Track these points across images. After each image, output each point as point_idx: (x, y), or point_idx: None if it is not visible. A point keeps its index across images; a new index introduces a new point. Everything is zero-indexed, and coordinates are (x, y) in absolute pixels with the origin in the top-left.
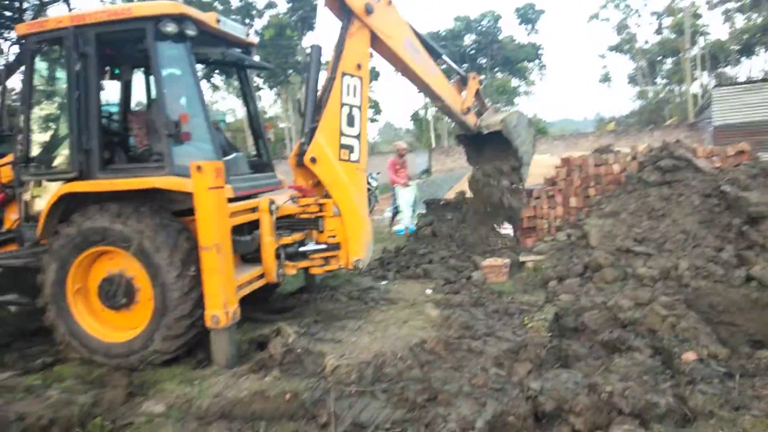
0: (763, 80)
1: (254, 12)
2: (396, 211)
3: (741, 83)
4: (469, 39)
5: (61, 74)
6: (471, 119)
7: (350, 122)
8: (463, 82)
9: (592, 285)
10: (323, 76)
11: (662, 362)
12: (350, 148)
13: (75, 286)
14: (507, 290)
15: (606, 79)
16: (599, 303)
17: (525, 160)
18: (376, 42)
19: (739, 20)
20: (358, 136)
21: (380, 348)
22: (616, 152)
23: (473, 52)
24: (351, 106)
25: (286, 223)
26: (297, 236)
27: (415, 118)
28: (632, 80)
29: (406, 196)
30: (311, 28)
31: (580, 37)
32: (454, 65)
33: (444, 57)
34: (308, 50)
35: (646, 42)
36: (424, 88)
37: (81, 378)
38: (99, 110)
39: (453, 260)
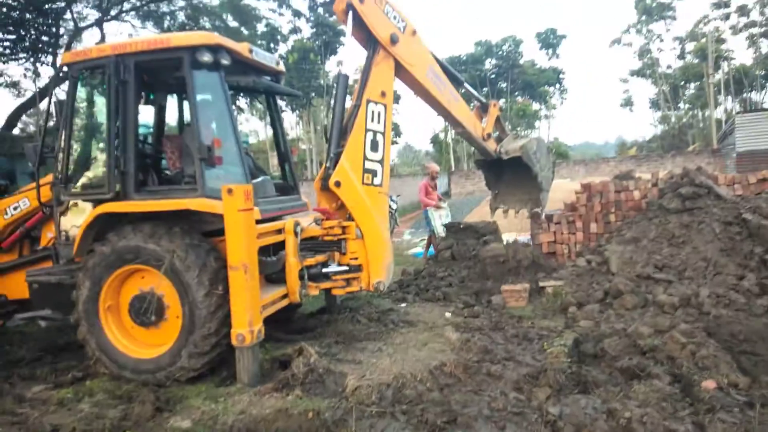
0: None
1: (279, 37)
2: (431, 234)
3: (765, 110)
4: (489, 63)
5: (100, 99)
6: (491, 145)
7: (374, 147)
8: (483, 109)
9: (612, 311)
10: (348, 102)
11: (681, 390)
12: (374, 173)
13: (107, 303)
14: (526, 315)
15: (628, 103)
16: (619, 329)
17: (544, 186)
18: (400, 70)
19: (765, 45)
20: (381, 161)
21: (400, 370)
22: (637, 178)
23: (494, 76)
24: (375, 132)
25: (310, 245)
26: (320, 258)
27: (435, 140)
28: (654, 105)
29: (442, 218)
30: (334, 52)
31: (601, 61)
32: (474, 92)
33: (465, 85)
34: (331, 74)
35: (669, 67)
36: (445, 114)
37: (110, 393)
38: (136, 134)
39: (472, 284)
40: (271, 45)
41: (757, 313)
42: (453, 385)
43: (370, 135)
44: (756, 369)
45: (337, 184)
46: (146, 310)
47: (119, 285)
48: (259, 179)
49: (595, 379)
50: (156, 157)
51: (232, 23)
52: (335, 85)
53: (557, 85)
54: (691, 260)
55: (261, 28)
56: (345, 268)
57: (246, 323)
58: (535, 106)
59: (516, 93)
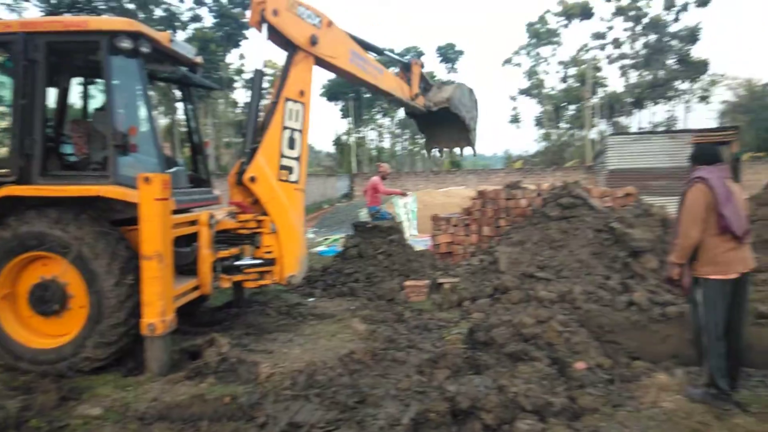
0: (650, 132)
1: (178, 24)
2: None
3: (632, 133)
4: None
5: (6, 78)
6: (420, 102)
7: (291, 145)
8: (406, 69)
9: (500, 305)
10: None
11: (558, 370)
12: (290, 170)
13: (3, 290)
14: (426, 308)
15: (515, 119)
16: (506, 320)
17: (472, 126)
18: (323, 63)
19: (633, 76)
20: (298, 159)
21: (311, 358)
22: (524, 188)
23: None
24: (292, 130)
25: (223, 238)
26: (233, 250)
27: (337, 142)
28: (539, 123)
29: (408, 206)
30: (236, 44)
31: (494, 78)
32: (395, 56)
33: (386, 52)
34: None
35: (553, 89)
36: (374, 89)
37: (6, 383)
38: (44, 116)
39: (377, 280)
40: (167, 31)
41: (619, 308)
42: (361, 370)
43: (287, 133)
44: (617, 354)
45: (252, 179)
46: (48, 299)
47: (18, 272)
48: (173, 169)
49: (486, 362)
50: (57, 141)
51: (128, 5)
52: (251, 81)
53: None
54: (567, 261)
55: (159, 12)
56: (259, 261)
57: (158, 313)
58: None
59: None
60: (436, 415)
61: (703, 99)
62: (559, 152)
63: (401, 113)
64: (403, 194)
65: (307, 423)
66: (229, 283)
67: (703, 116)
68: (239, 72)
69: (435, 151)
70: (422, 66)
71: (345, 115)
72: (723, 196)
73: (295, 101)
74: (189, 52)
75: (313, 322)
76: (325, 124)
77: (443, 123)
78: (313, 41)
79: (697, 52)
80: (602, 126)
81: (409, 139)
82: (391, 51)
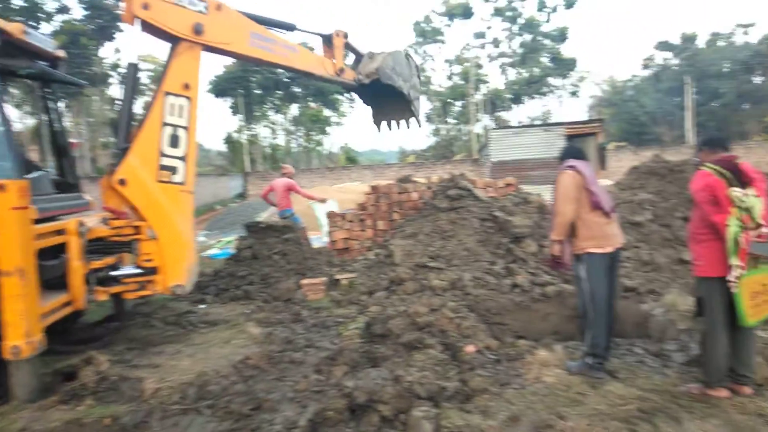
0: (528, 126)
1: (42, 15)
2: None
3: (511, 127)
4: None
5: None
6: (348, 76)
7: (174, 143)
8: (329, 44)
9: (396, 296)
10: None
11: (450, 355)
12: (173, 170)
13: None
14: (324, 305)
15: None
16: (402, 311)
17: (413, 96)
18: (217, 50)
19: (512, 73)
20: (183, 158)
21: (202, 368)
22: (415, 182)
23: (288, 80)
24: (176, 127)
25: (97, 247)
26: (109, 260)
27: (228, 140)
28: (429, 119)
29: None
30: (110, 38)
31: None
32: (312, 32)
33: (299, 28)
34: (106, 61)
35: (440, 86)
36: (289, 70)
37: None
38: None
39: (273, 281)
40: (30, 24)
41: (504, 292)
42: (257, 375)
43: (168, 129)
44: (503, 334)
45: (122, 182)
46: None
47: None
48: (35, 174)
49: (383, 354)
50: None
51: None
52: (125, 75)
53: (346, 94)
54: (457, 250)
55: (19, 2)
56: (137, 270)
57: (22, 334)
58: (327, 112)
59: (309, 98)
60: (334, 413)
61: (573, 94)
62: (448, 146)
63: (294, 109)
64: (322, 201)
65: None
66: (106, 296)
67: (574, 110)
68: (115, 67)
69: (384, 125)
70: (346, 36)
71: (235, 112)
72: (590, 178)
73: (178, 95)
74: (48, 45)
75: (204, 330)
76: (214, 122)
77: (386, 94)
78: (198, 30)
79: (566, 50)
80: (486, 121)
81: (303, 135)
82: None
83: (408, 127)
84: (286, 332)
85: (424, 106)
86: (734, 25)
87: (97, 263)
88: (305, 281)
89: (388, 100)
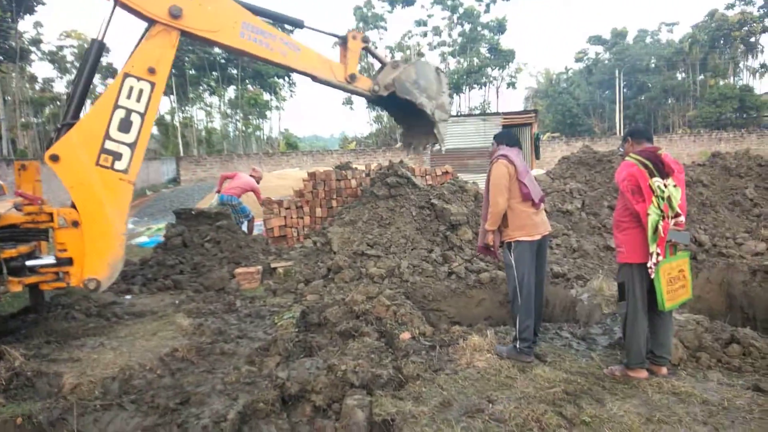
0: (466, 115)
1: None
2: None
3: (450, 116)
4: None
5: None
6: (362, 85)
7: (124, 128)
8: (344, 46)
9: (333, 285)
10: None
11: (386, 343)
12: (117, 156)
13: None
14: (259, 295)
15: (348, 101)
16: (339, 299)
17: (439, 117)
18: (200, 38)
19: (452, 62)
20: (132, 145)
21: (126, 361)
22: (354, 169)
23: (224, 61)
24: (130, 111)
25: (9, 234)
26: (23, 248)
27: (160, 122)
28: (371, 105)
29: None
30: (30, 11)
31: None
32: (324, 31)
33: (307, 25)
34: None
35: None
36: (286, 69)
37: None
38: None
39: (205, 270)
40: None
41: (441, 278)
42: (185, 368)
43: (121, 112)
44: (439, 321)
45: (54, 158)
46: None
47: None
48: None
49: (319, 343)
50: None
51: None
52: (86, 50)
53: (286, 78)
54: (395, 238)
55: None
56: (51, 261)
57: None
58: (267, 96)
59: (246, 81)
60: (265, 405)
61: (511, 85)
62: (390, 134)
63: (231, 92)
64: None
65: None
66: (20, 287)
67: (511, 101)
68: (36, 42)
69: (411, 148)
70: (365, 40)
71: (167, 93)
72: (522, 168)
73: (140, 79)
74: None
75: (129, 321)
76: None
77: (412, 113)
78: (174, 13)
79: (505, 42)
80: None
81: (241, 119)
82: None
83: (431, 152)
84: (218, 323)
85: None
86: (659, 23)
87: (9, 252)
88: (239, 270)
89: (414, 118)
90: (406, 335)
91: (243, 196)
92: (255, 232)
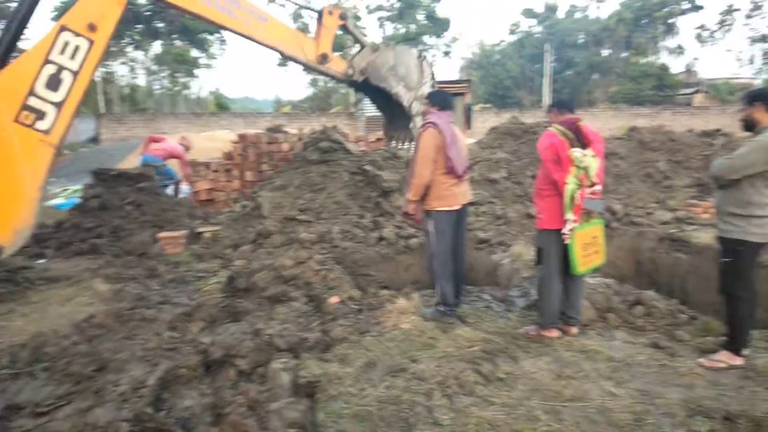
0: None
1: None
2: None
3: None
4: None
5: None
6: (335, 66)
7: (52, 85)
8: (319, 21)
9: (263, 250)
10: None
11: (314, 307)
12: (40, 114)
13: None
14: (184, 260)
15: (283, 63)
16: (268, 264)
17: (416, 110)
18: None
19: (389, 28)
20: (59, 105)
21: (38, 328)
22: (286, 133)
23: (149, 13)
24: (61, 68)
25: None
26: None
27: None
28: (307, 68)
29: None
30: None
31: None
32: (295, 2)
33: None
34: None
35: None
36: (251, 40)
37: None
38: None
39: (125, 234)
40: None
41: (371, 244)
42: (103, 335)
43: (51, 68)
44: (368, 285)
45: None
46: None
47: None
48: None
49: (246, 308)
50: None
51: None
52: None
53: (217, 34)
54: (326, 203)
55: None
56: None
57: None
58: (196, 53)
59: (174, 36)
60: (187, 370)
61: (446, 54)
62: (325, 98)
63: (157, 47)
64: (190, 183)
65: (31, 402)
66: None
67: (446, 70)
68: None
69: (392, 141)
70: (343, 17)
71: None
72: (449, 140)
73: (78, 35)
74: None
75: (43, 287)
76: None
77: (393, 103)
78: None
79: (441, 10)
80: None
81: (168, 76)
82: None
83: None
84: (139, 289)
85: None
86: None
87: None
88: (163, 234)
89: (398, 108)
90: (334, 299)
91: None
92: (181, 196)
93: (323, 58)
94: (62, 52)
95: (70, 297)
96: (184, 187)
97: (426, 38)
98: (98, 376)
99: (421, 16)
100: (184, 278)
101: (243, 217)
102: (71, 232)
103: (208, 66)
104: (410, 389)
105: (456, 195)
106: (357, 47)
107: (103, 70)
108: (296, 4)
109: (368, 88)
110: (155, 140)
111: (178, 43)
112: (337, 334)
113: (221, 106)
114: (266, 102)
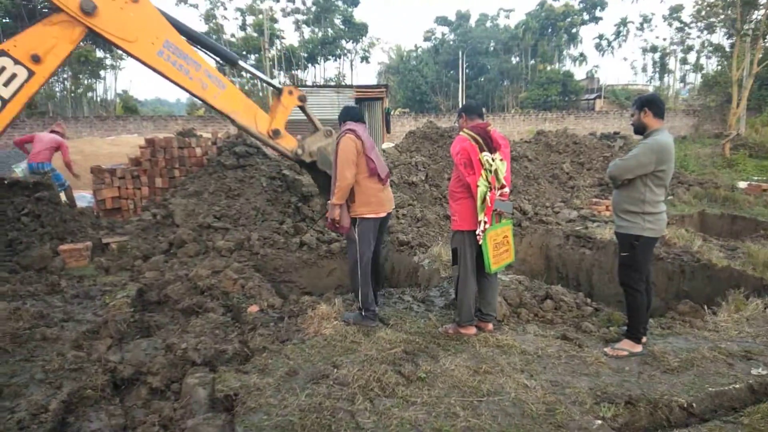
0: (321, 86)
1: None
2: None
3: (305, 86)
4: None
5: None
6: (285, 143)
7: None
8: (277, 96)
9: (176, 260)
10: None
11: (232, 317)
12: None
13: None
14: (89, 273)
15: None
16: (182, 275)
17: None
18: (115, 44)
19: (306, 31)
20: None
21: None
22: (199, 136)
23: (47, 10)
24: None
25: None
26: None
27: None
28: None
29: None
30: None
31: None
32: (260, 74)
33: (241, 64)
34: None
35: (233, 35)
36: (204, 103)
37: None
38: None
39: (23, 247)
40: None
41: (292, 250)
42: None
43: None
44: (290, 292)
45: None
46: None
47: None
48: None
49: (158, 322)
50: None
51: None
52: None
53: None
54: (244, 210)
55: None
56: None
57: None
58: (100, 53)
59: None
60: (94, 391)
61: (364, 59)
62: None
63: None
64: (77, 176)
65: None
66: None
67: (364, 74)
68: None
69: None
70: (302, 99)
71: None
72: (369, 144)
73: (18, 62)
74: None
75: None
76: None
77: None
78: (86, 9)
79: (358, 15)
80: (281, 78)
81: (70, 78)
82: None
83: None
84: (39, 306)
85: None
86: (498, 8)
87: None
88: (64, 247)
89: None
90: (254, 308)
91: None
92: (83, 204)
93: (275, 134)
94: None
95: None
96: (87, 195)
97: (344, 43)
98: None
99: (338, 21)
100: (89, 293)
101: (153, 225)
102: None
103: (114, 67)
104: (332, 395)
105: (382, 201)
106: (268, 90)
107: None
108: (260, 78)
109: (313, 167)
110: (27, 141)
111: (81, 43)
112: (256, 344)
113: (129, 109)
114: (180, 104)
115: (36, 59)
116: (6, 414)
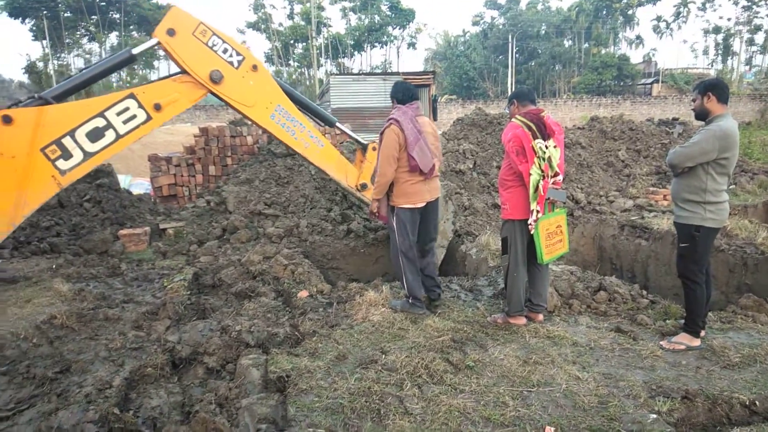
0: (367, 74)
1: None
2: None
3: (352, 74)
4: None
5: None
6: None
7: (93, 136)
8: (363, 153)
9: (229, 246)
10: None
11: (283, 302)
12: (66, 154)
13: None
14: (147, 257)
15: None
16: (235, 260)
17: (439, 241)
18: (231, 105)
19: (353, 19)
20: (88, 155)
21: None
22: (250, 125)
23: (104, 4)
24: (110, 126)
25: None
26: None
27: (32, 70)
28: (269, 59)
29: None
30: None
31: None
32: (351, 134)
33: (338, 125)
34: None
35: (281, 25)
36: (304, 158)
37: None
38: None
39: (85, 231)
40: None
41: (340, 237)
42: (65, 336)
43: (100, 121)
44: (338, 278)
45: (6, 119)
46: None
47: None
48: None
49: (212, 305)
50: None
51: None
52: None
53: None
54: (293, 197)
55: None
56: None
57: None
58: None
59: (131, 27)
60: (154, 369)
61: (411, 45)
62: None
63: (113, 38)
64: None
65: None
66: None
67: (411, 61)
68: None
69: None
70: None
71: (38, 37)
72: (412, 138)
73: (141, 106)
74: None
75: (0, 288)
76: (9, 47)
77: None
78: (215, 78)
79: (405, 1)
80: (328, 66)
81: (126, 69)
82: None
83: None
84: (101, 287)
85: (263, 45)
86: None
87: None
88: (124, 231)
89: None
90: (303, 293)
91: None
92: (140, 191)
93: (362, 187)
94: (119, 114)
95: (29, 298)
96: (144, 182)
97: (390, 29)
98: (61, 378)
99: (385, 7)
100: (147, 276)
101: (207, 212)
102: (28, 231)
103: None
104: (381, 380)
105: (421, 192)
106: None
107: (57, 62)
108: (353, 138)
109: None
110: None
111: (135, 34)
112: (306, 328)
113: None
114: None
115: (157, 108)
116: (75, 388)
